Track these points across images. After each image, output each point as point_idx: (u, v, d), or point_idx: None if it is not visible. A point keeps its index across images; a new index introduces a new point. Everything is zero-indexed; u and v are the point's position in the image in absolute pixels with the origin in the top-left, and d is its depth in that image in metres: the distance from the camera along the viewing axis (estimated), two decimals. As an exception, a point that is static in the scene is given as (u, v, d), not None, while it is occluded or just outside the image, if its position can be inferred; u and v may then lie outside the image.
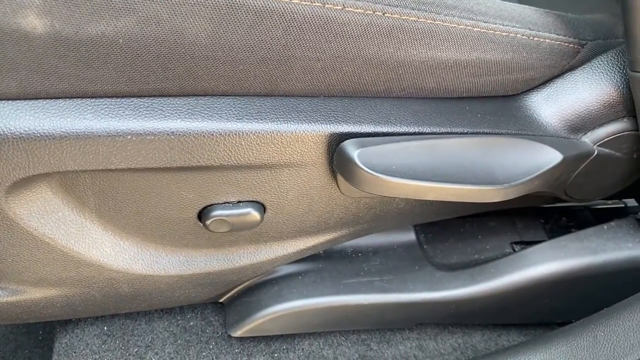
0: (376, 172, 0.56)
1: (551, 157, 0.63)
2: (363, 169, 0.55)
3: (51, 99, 0.51)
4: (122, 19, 0.47)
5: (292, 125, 0.57)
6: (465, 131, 0.63)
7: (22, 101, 0.50)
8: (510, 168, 0.62)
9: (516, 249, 0.82)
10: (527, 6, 0.66)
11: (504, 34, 0.61)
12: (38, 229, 0.57)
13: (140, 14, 0.47)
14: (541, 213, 0.90)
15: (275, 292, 0.75)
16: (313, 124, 0.57)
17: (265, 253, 0.70)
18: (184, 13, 0.48)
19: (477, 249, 0.82)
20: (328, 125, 0.58)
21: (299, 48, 0.53)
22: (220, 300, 0.79)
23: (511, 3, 0.65)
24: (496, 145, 0.63)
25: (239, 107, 0.56)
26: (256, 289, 0.76)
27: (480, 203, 0.64)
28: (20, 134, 0.49)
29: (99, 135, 0.51)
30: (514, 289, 0.75)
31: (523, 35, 0.62)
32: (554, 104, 0.67)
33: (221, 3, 0.48)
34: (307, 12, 0.51)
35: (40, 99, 0.51)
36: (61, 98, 0.51)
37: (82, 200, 0.59)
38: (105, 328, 0.79)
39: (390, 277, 0.77)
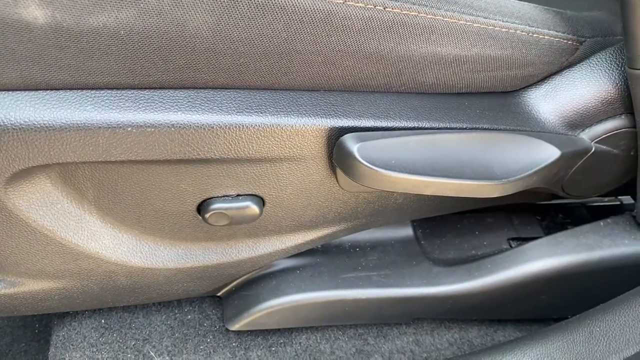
0: (375, 166, 0.56)
1: (549, 153, 0.64)
2: (362, 163, 0.56)
3: (51, 90, 0.51)
4: (123, 10, 0.47)
5: (292, 119, 0.57)
6: (464, 126, 0.63)
7: (23, 92, 0.50)
8: (508, 164, 0.62)
9: (513, 245, 0.82)
10: (526, 3, 0.67)
11: (503, 29, 0.61)
12: (37, 221, 0.57)
13: (141, 5, 0.47)
14: (538, 209, 0.90)
15: (273, 286, 0.75)
16: (313, 117, 0.57)
17: (263, 247, 0.71)
18: (185, 5, 0.48)
19: (474, 245, 0.82)
20: (328, 120, 0.58)
21: (300, 42, 0.53)
22: (218, 294, 0.79)
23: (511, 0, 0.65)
24: (495, 141, 0.63)
25: (239, 100, 0.56)
26: (254, 282, 0.76)
27: (478, 198, 0.64)
28: (20, 124, 0.49)
29: (99, 127, 0.51)
30: (510, 284, 0.76)
31: (522, 31, 0.62)
32: (552, 101, 0.68)
33: None
34: (308, 5, 0.51)
35: (41, 89, 0.51)
36: (61, 89, 0.51)
37: (81, 192, 0.59)
38: (103, 321, 0.79)
39: (387, 272, 0.77)
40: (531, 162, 0.63)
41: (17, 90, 0.50)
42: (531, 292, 0.77)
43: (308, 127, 0.57)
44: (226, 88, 0.56)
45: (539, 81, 0.68)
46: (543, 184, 0.69)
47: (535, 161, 0.63)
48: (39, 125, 0.50)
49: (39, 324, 0.93)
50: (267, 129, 0.56)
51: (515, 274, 0.75)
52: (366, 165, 0.56)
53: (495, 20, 0.60)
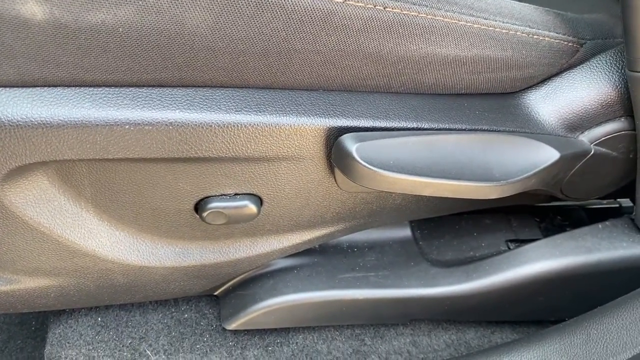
0: (374, 166, 0.56)
1: (548, 155, 0.64)
2: (361, 163, 0.55)
3: (49, 86, 0.51)
4: (122, 7, 0.47)
5: (290, 119, 0.57)
6: (464, 128, 0.63)
7: (20, 89, 0.50)
8: (507, 165, 0.62)
9: (511, 247, 0.82)
10: (526, 4, 0.67)
11: (503, 31, 0.61)
12: (34, 218, 0.57)
13: (140, 3, 0.47)
14: (536, 211, 0.90)
15: (270, 286, 0.75)
16: (312, 117, 0.57)
17: (261, 246, 0.70)
18: (184, 3, 0.48)
19: (472, 246, 0.82)
20: (327, 119, 0.58)
21: (299, 41, 0.53)
22: (215, 293, 0.79)
23: (511, 1, 0.65)
24: (494, 143, 0.63)
25: (237, 99, 0.55)
26: (251, 282, 0.76)
27: (477, 200, 0.64)
28: (18, 121, 0.49)
29: (97, 125, 0.51)
30: (508, 286, 0.76)
31: (523, 32, 0.62)
32: (552, 103, 0.68)
33: None
34: (307, 4, 0.51)
35: (38, 86, 0.50)
36: (59, 86, 0.51)
37: (79, 189, 0.58)
38: (99, 319, 0.79)
39: (385, 273, 0.77)
40: (530, 164, 0.63)
41: (14, 86, 0.50)
42: (529, 294, 0.77)
43: (306, 126, 0.57)
44: (225, 87, 0.56)
45: (538, 83, 0.68)
46: (542, 186, 0.69)
47: (534, 163, 0.63)
48: (36, 122, 0.50)
49: (35, 322, 0.92)
50: (266, 128, 0.56)
51: (513, 275, 0.75)
52: (364, 166, 0.55)
53: (496, 21, 0.60)
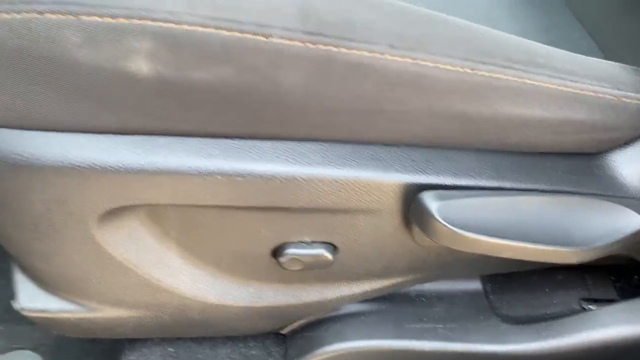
0: (455, 226, 0.56)
1: (633, 221, 0.62)
2: (441, 223, 0.55)
3: (148, 135, 0.53)
4: (222, 66, 0.49)
5: (371, 173, 0.57)
6: (545, 188, 0.62)
7: (121, 136, 0.53)
8: (589, 230, 0.61)
9: (585, 307, 0.79)
10: (615, 63, 0.65)
11: (592, 94, 0.60)
12: (123, 255, 0.60)
13: (240, 62, 0.49)
14: (612, 269, 0.87)
15: (337, 330, 0.76)
16: (392, 173, 0.58)
17: (332, 292, 0.71)
18: (281, 65, 0.49)
19: (544, 303, 0.80)
20: (407, 175, 0.58)
21: (388, 101, 0.54)
22: (282, 332, 0.80)
23: (599, 59, 0.64)
24: (576, 206, 0.61)
25: (322, 152, 0.57)
26: (318, 324, 0.77)
27: (554, 262, 0.63)
28: (118, 167, 0.52)
29: (190, 174, 0.53)
30: (580, 349, 0.73)
31: (612, 95, 0.61)
32: (638, 165, 0.66)
33: (318, 56, 0.49)
34: (399, 67, 0.52)
35: (138, 134, 0.53)
36: (156, 135, 0.54)
37: (165, 230, 0.61)
38: (171, 349, 0.81)
39: (453, 326, 0.76)
40: (613, 230, 0.61)
41: (115, 134, 0.53)
42: (602, 359, 0.74)
43: (387, 182, 0.58)
44: (310, 139, 0.57)
45: (624, 144, 0.67)
46: (624, 250, 0.66)
47: (617, 229, 0.61)
48: (134, 169, 0.52)
49: (108, 340, 0.96)
50: (347, 182, 0.57)
51: (587, 338, 0.73)
52: (445, 225, 0.55)
53: (584, 84, 0.59)
